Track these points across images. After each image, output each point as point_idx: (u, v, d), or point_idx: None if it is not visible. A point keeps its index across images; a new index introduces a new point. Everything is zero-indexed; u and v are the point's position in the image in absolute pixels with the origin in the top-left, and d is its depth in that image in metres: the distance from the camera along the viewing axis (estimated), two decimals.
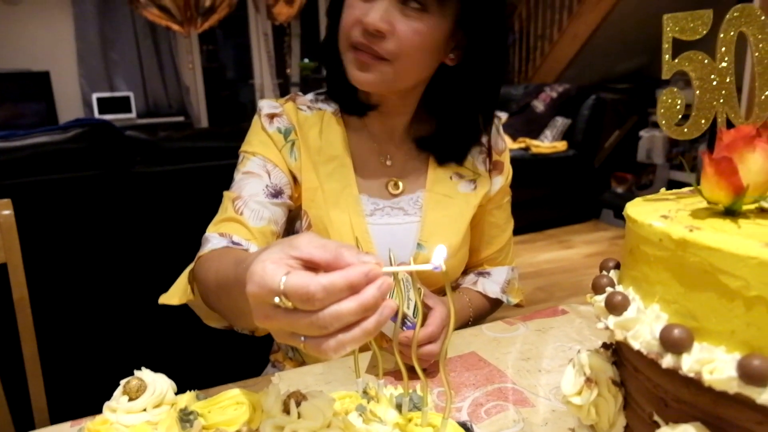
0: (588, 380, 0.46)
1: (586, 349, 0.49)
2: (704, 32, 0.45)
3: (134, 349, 1.43)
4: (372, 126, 0.91)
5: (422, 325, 0.72)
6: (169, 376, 0.55)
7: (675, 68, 0.45)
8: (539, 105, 4.14)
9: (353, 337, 0.40)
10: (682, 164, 4.12)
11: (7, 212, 0.99)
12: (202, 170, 1.60)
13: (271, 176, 0.84)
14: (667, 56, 0.44)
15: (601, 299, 0.45)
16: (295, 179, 0.86)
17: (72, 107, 4.71)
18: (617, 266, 0.51)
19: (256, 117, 0.89)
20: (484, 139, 0.94)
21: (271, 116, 0.88)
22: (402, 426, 0.51)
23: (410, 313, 0.73)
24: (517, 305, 1.01)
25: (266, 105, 0.89)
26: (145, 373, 0.53)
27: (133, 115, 4.73)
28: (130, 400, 0.51)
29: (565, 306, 0.92)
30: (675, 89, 0.46)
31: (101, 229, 1.45)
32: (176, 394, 0.55)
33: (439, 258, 0.43)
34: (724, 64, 0.45)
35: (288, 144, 0.86)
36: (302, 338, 0.41)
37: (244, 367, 0.97)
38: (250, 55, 5.50)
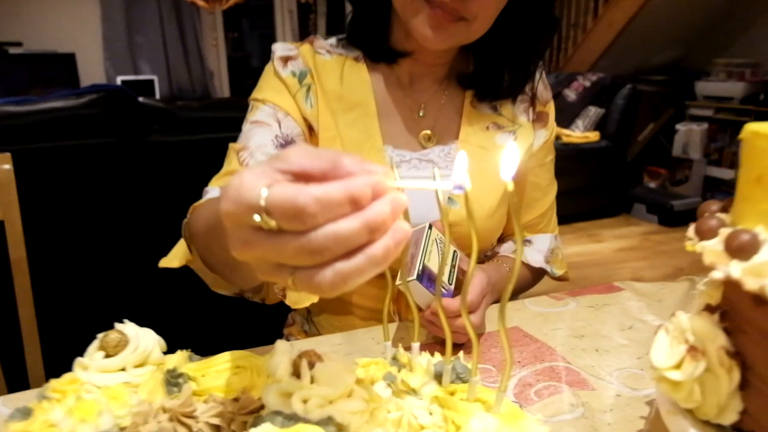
0: (692, 349, 0.35)
1: (683, 312, 0.38)
2: None
3: (138, 316, 1.37)
4: (402, 73, 0.82)
5: (459, 292, 0.62)
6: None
7: None
8: (571, 94, 3.98)
9: (356, 267, 0.30)
10: (720, 160, 3.92)
11: (6, 167, 0.93)
12: (221, 141, 1.52)
13: (281, 126, 0.76)
14: None
15: (714, 243, 0.34)
16: (310, 128, 0.78)
17: None
18: (724, 209, 0.40)
19: (269, 63, 0.81)
20: (527, 87, 0.83)
21: (285, 59, 0.79)
22: (442, 401, 0.40)
23: (446, 279, 0.63)
24: (561, 278, 0.91)
25: (280, 47, 0.81)
26: (128, 326, 0.44)
27: (157, 98, 4.71)
28: (107, 356, 0.41)
29: (619, 283, 0.81)
30: None
31: (113, 197, 1.40)
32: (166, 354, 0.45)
33: (460, 175, 0.33)
34: None
35: (303, 88, 0.77)
36: (291, 270, 0.31)
37: (255, 342, 0.89)
38: (275, 41, 5.43)
